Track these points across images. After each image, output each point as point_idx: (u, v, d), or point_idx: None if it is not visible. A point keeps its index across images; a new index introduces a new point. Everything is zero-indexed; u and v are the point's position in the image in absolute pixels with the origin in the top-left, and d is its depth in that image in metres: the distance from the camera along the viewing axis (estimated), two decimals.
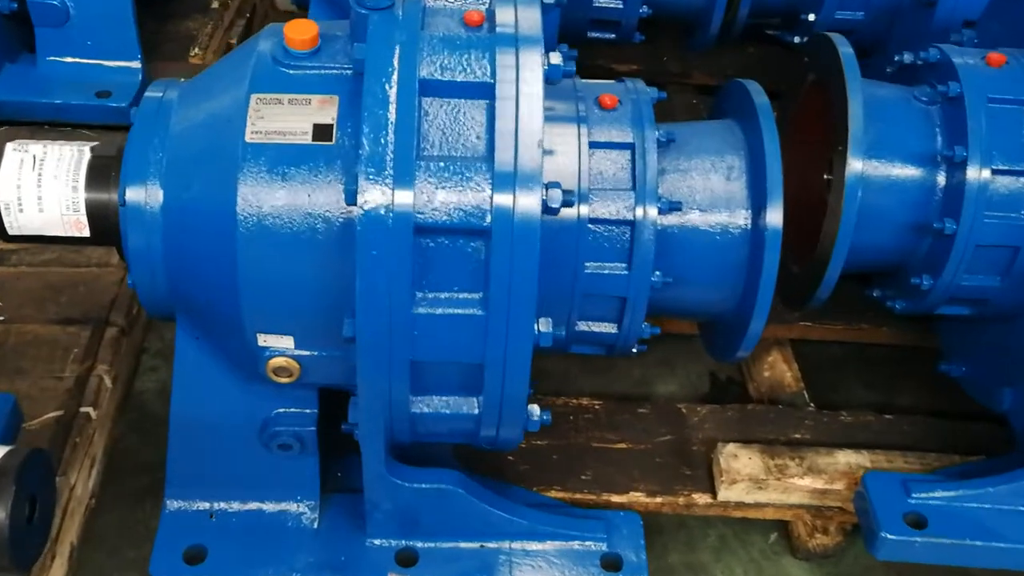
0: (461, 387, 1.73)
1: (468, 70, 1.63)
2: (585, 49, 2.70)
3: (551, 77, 1.66)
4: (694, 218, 1.85)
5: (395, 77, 1.60)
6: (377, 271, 1.56)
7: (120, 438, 2.39)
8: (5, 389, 2.09)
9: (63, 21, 2.90)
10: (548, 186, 1.59)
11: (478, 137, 1.62)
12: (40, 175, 1.85)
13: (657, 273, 1.82)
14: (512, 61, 1.63)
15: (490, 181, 1.57)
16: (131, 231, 1.77)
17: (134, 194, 1.77)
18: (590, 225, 1.79)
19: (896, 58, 2.13)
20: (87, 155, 1.88)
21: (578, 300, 1.83)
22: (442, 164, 1.59)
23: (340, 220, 1.64)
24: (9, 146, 1.88)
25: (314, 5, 2.74)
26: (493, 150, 1.58)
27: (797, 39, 2.84)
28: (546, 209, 1.58)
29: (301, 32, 1.72)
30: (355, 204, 1.55)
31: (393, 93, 1.59)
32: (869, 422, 2.38)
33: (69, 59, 2.95)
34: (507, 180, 1.57)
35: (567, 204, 1.60)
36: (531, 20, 1.70)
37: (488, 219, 1.57)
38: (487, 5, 1.76)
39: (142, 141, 1.80)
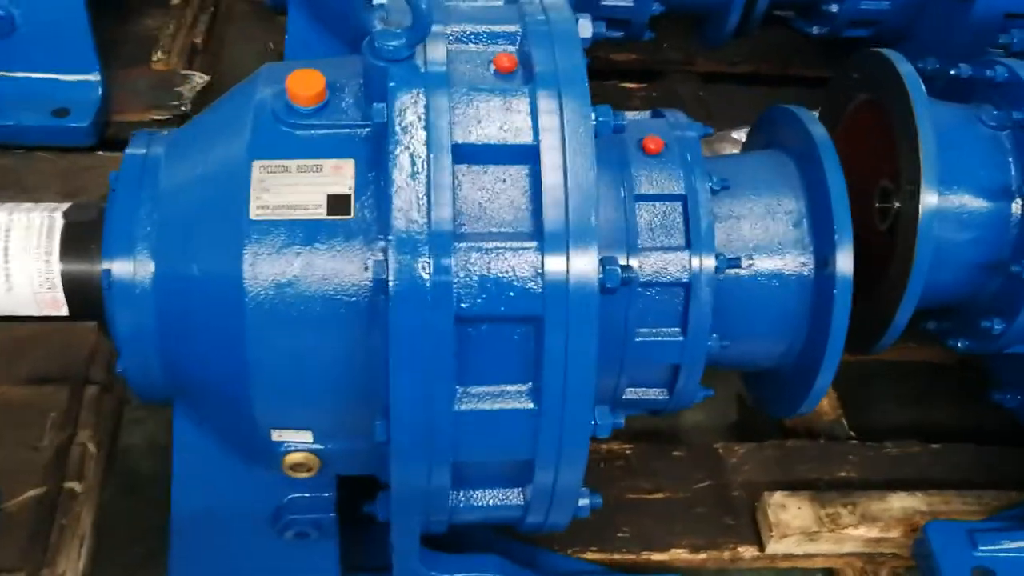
0: (508, 480, 1.55)
1: (507, 130, 1.42)
2: None
3: (601, 132, 1.45)
4: (752, 271, 1.66)
5: (423, 144, 1.38)
6: (413, 368, 1.36)
7: (108, 504, 2.18)
8: None
9: (8, 31, 2.60)
10: (604, 262, 1.39)
11: (523, 209, 1.41)
12: (6, 248, 1.61)
13: (714, 336, 1.64)
14: (555, 119, 1.42)
15: (539, 260, 1.37)
16: (119, 310, 1.55)
17: (121, 267, 1.54)
18: (640, 289, 1.60)
19: (951, 71, 1.94)
20: (59, 221, 1.64)
21: (627, 369, 1.65)
22: (483, 243, 1.38)
23: (365, 301, 1.43)
24: None
25: (292, 12, 2.49)
26: (541, 225, 1.38)
27: (816, 30, 2.63)
28: (603, 290, 1.39)
29: (307, 86, 1.48)
30: (384, 292, 1.35)
31: (423, 163, 1.37)
32: (916, 453, 2.24)
33: (19, 74, 2.65)
34: (558, 258, 1.37)
35: (626, 282, 1.41)
36: (572, 62, 1.48)
37: (539, 304, 1.37)
38: (517, 44, 1.54)
39: (126, 206, 1.57)
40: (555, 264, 1.37)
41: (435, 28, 1.50)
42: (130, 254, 1.54)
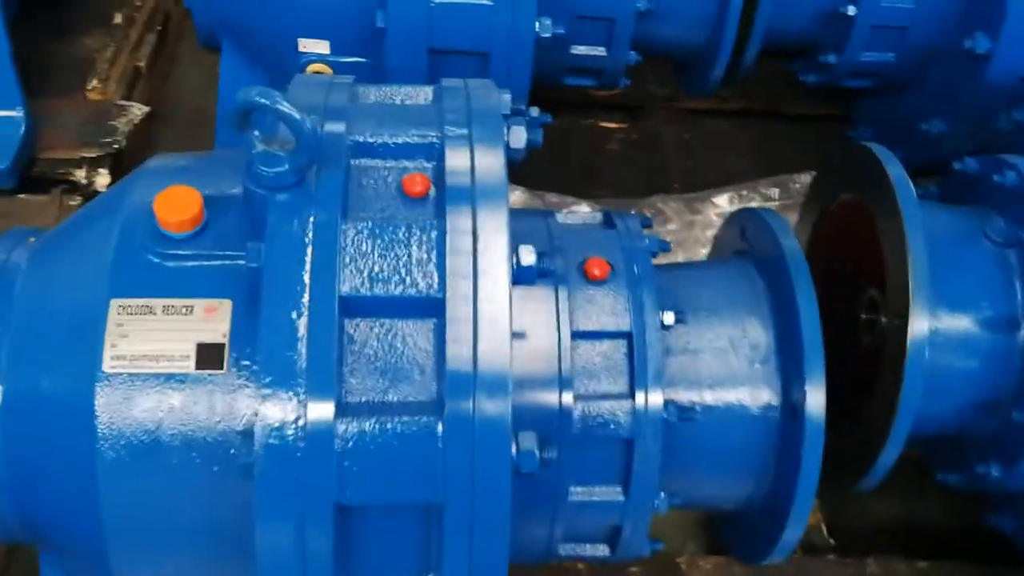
0: None
1: (408, 279, 1.18)
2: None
3: (522, 280, 1.21)
4: (709, 417, 1.43)
5: (306, 298, 1.15)
6: (285, 566, 1.14)
7: None
8: None
9: None
10: (519, 435, 1.17)
11: (423, 375, 1.18)
12: None
13: (662, 495, 1.41)
14: (468, 262, 1.18)
15: (439, 434, 1.14)
16: None
17: None
18: (575, 442, 1.36)
19: (956, 166, 1.68)
20: None
21: (561, 524, 1.42)
22: (373, 417, 1.15)
23: (235, 473, 1.19)
24: None
25: (226, 51, 2.24)
26: (442, 392, 1.15)
27: (813, 78, 2.37)
28: (517, 473, 1.16)
29: (178, 211, 1.24)
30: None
31: (303, 323, 1.14)
32: (900, 573, 2.01)
33: None
34: (463, 433, 1.14)
35: (546, 463, 1.18)
36: (493, 177, 1.24)
37: (438, 490, 1.14)
38: (433, 160, 1.29)
39: None
40: (458, 439, 1.14)
41: (335, 129, 1.26)
42: None
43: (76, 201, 2.45)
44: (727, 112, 2.85)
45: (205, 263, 1.26)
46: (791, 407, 1.42)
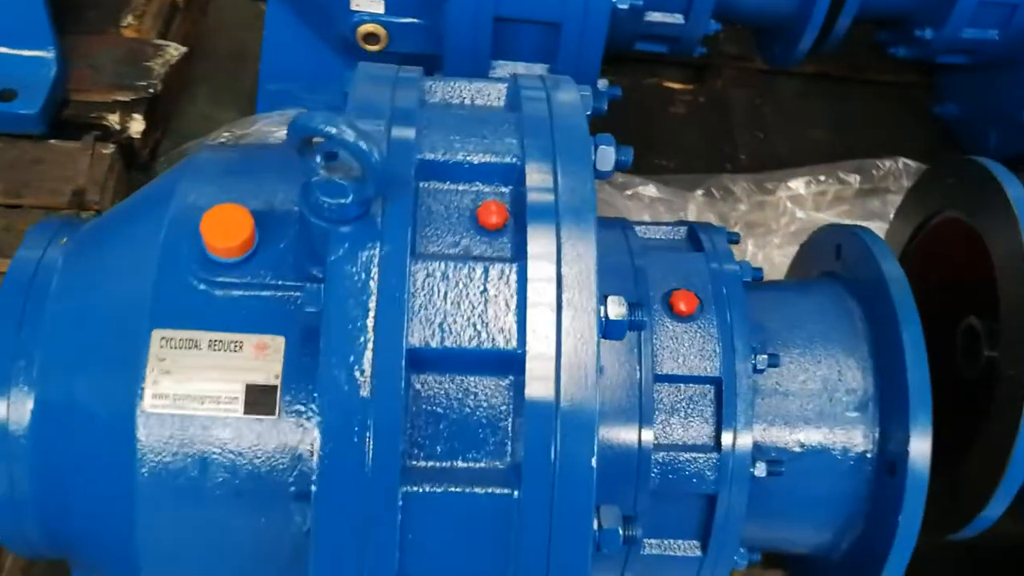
0: None
1: (483, 331, 1.05)
2: None
3: (610, 335, 1.08)
4: (797, 469, 1.30)
5: (369, 350, 1.02)
6: None
7: None
8: None
9: None
10: (601, 510, 1.05)
11: (496, 437, 1.06)
12: None
13: (741, 551, 1.30)
14: (551, 316, 1.04)
15: (514, 507, 1.02)
16: None
17: None
18: (652, 494, 1.25)
19: None
20: None
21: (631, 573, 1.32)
22: (440, 482, 1.03)
23: (286, 546, 1.10)
24: None
25: (272, 2, 2.07)
26: (519, 464, 1.03)
27: (904, 52, 2.17)
28: (598, 550, 1.05)
29: (228, 236, 1.11)
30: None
31: (366, 379, 1.01)
32: None
33: None
34: (541, 508, 1.02)
35: (629, 540, 1.07)
36: (581, 214, 1.09)
37: (509, 569, 1.03)
38: (511, 184, 1.15)
39: (6, 325, 1.23)
40: (535, 519, 1.02)
41: (403, 136, 1.12)
42: (3, 390, 1.20)
43: (109, 149, 2.31)
44: (801, 75, 2.65)
45: (256, 293, 1.13)
46: (888, 463, 1.29)
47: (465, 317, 1.05)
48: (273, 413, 1.10)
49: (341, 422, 1.01)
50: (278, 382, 1.11)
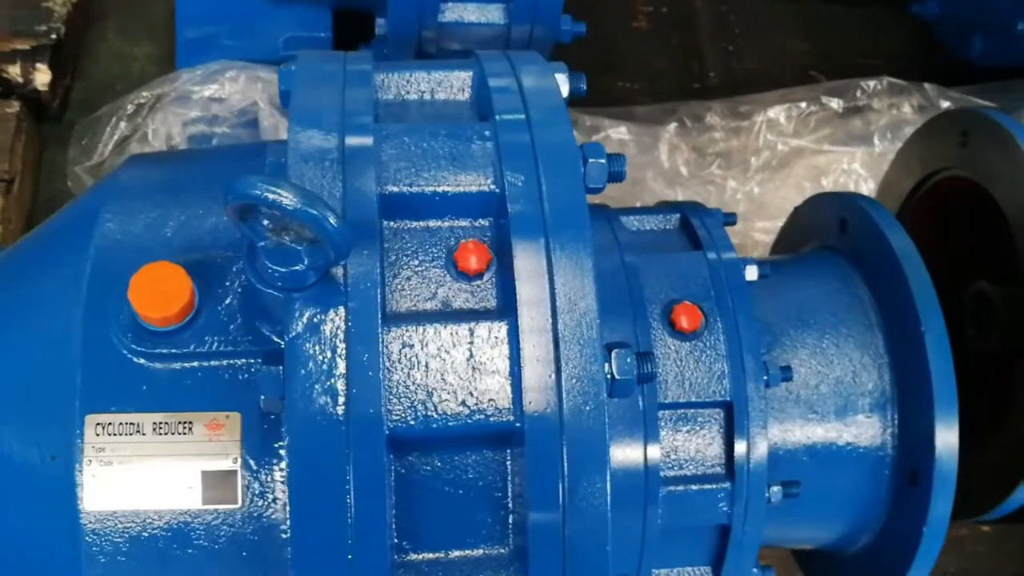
0: None
1: (471, 404, 0.91)
2: None
3: (618, 394, 0.94)
4: (812, 486, 1.20)
5: (343, 439, 0.87)
6: None
7: None
8: None
9: None
10: None
11: (496, 519, 0.93)
12: None
13: (754, 571, 1.21)
14: (550, 378, 0.90)
15: None
16: None
17: None
18: (660, 533, 1.14)
19: None
20: None
21: None
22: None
23: None
24: None
25: None
26: (523, 543, 0.91)
27: (979, 47, 1.99)
28: None
29: (161, 306, 0.94)
30: None
31: (344, 475, 0.87)
32: None
33: None
34: None
35: None
36: (575, 256, 0.94)
37: None
38: (490, 216, 0.99)
39: None
40: None
41: (359, 143, 0.96)
42: None
43: (14, 108, 2.07)
44: None
45: (202, 363, 0.97)
46: (909, 472, 1.19)
47: (451, 390, 0.91)
48: (235, 501, 0.96)
49: (316, 521, 0.87)
50: (237, 466, 0.96)
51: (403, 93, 1.12)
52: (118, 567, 0.97)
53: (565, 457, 0.90)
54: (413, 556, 0.92)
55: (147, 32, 2.45)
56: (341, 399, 0.88)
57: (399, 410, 0.90)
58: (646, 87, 2.23)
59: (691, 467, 1.14)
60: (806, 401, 1.20)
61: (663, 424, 1.13)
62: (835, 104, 1.99)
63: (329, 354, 0.88)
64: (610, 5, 2.35)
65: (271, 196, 0.81)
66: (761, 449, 1.12)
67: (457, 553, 0.93)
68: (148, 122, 1.86)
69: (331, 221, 0.83)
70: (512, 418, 0.91)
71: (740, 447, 1.12)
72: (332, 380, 0.88)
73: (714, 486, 1.13)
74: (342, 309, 0.90)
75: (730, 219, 1.29)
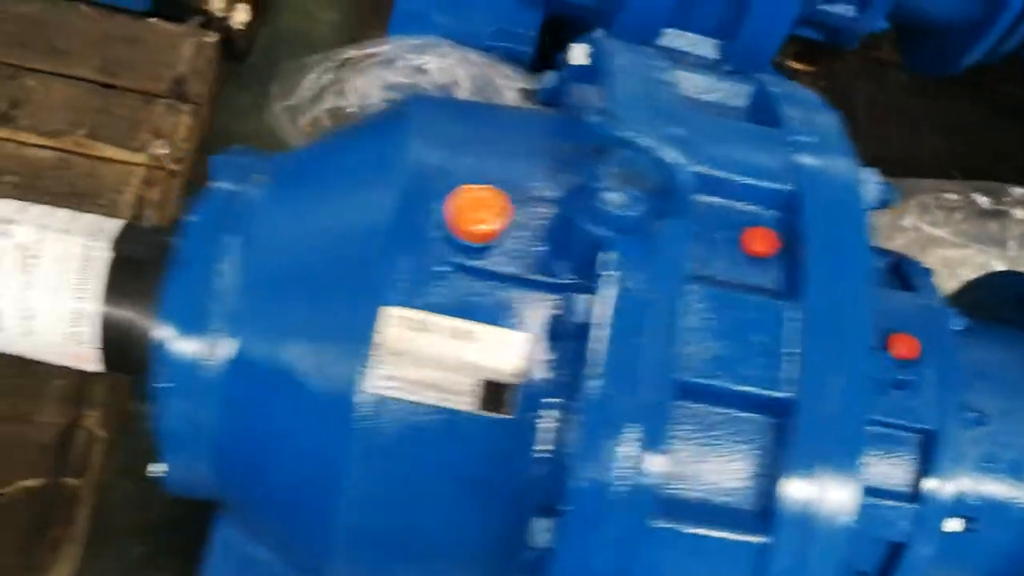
0: None
1: (754, 371, 1.00)
2: None
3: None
4: (991, 526, 1.29)
5: (638, 372, 0.97)
6: None
7: (104, 491, 1.84)
8: None
9: None
10: None
11: (746, 474, 1.02)
12: (30, 281, 1.20)
13: None
14: (827, 360, 1.00)
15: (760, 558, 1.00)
16: (175, 400, 1.15)
17: (187, 344, 1.13)
18: None
19: None
20: (104, 256, 1.22)
21: None
22: (691, 525, 1.00)
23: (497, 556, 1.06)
24: None
25: None
26: (774, 509, 0.99)
27: None
28: None
29: (480, 221, 1.03)
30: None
31: (632, 398, 0.96)
32: None
33: None
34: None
35: None
36: (853, 275, 1.04)
37: None
38: (780, 208, 1.09)
39: (203, 260, 1.15)
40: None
41: (672, 137, 1.05)
42: (200, 327, 1.13)
43: (213, 38, 2.18)
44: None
45: (498, 283, 1.06)
46: None
47: (737, 353, 1.00)
48: (509, 413, 1.05)
49: (600, 443, 0.96)
50: (516, 380, 1.05)
51: (691, 92, 1.23)
52: (382, 452, 1.05)
53: (827, 439, 0.99)
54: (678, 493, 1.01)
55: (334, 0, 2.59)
56: (643, 336, 0.97)
57: (689, 361, 0.99)
58: None
59: (882, 482, 1.22)
60: (990, 451, 1.29)
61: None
62: (983, 201, 2.10)
63: (639, 295, 0.98)
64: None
65: (634, 138, 0.91)
66: (952, 480, 1.21)
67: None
68: (350, 76, 1.97)
69: (680, 173, 0.93)
70: (791, 393, 1.00)
71: (934, 476, 1.21)
72: (638, 318, 0.97)
73: (901, 504, 1.21)
74: (655, 259, 0.99)
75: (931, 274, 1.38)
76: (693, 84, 1.23)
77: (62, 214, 1.27)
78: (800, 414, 0.98)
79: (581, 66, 1.24)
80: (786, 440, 1.00)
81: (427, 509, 1.07)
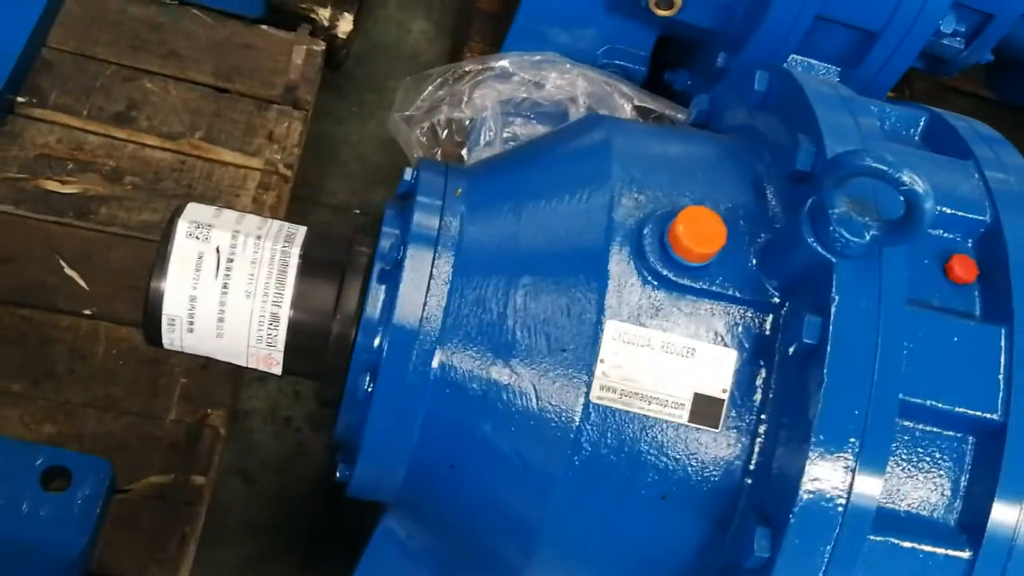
0: None
1: (965, 392, 1.05)
2: None
3: None
4: None
5: (867, 394, 1.01)
6: None
7: (218, 490, 1.88)
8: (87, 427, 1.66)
9: None
10: None
11: (951, 494, 1.07)
12: (226, 286, 1.24)
13: None
14: None
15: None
16: (383, 400, 1.17)
17: (399, 354, 1.15)
18: None
19: None
20: (295, 260, 1.26)
21: None
22: (896, 538, 1.04)
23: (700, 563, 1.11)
24: (182, 226, 1.25)
25: None
26: (978, 527, 1.04)
27: None
28: None
29: (702, 242, 1.08)
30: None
31: (861, 420, 1.01)
32: None
33: None
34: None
35: None
36: None
37: None
38: (975, 237, 1.14)
39: (420, 276, 1.16)
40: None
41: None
42: (411, 338, 1.15)
43: (321, 46, 2.22)
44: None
45: (713, 301, 1.11)
46: None
47: (952, 375, 1.05)
48: (716, 426, 1.09)
49: (833, 461, 1.00)
50: (725, 396, 1.10)
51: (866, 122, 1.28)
52: (599, 460, 1.09)
53: None
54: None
55: (424, 11, 2.63)
56: (873, 358, 1.02)
57: (910, 382, 1.04)
58: None
59: None
60: None
61: None
62: None
63: (868, 317, 1.03)
64: None
65: (891, 172, 0.96)
66: None
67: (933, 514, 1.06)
68: (467, 89, 2.01)
69: (929, 203, 0.98)
70: (999, 415, 1.05)
71: None
72: (868, 340, 1.02)
73: None
74: (878, 284, 1.04)
75: None
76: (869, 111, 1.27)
77: (253, 219, 1.30)
78: (1008, 437, 1.03)
79: (760, 92, 1.29)
80: (992, 462, 1.04)
81: (635, 518, 1.11)
